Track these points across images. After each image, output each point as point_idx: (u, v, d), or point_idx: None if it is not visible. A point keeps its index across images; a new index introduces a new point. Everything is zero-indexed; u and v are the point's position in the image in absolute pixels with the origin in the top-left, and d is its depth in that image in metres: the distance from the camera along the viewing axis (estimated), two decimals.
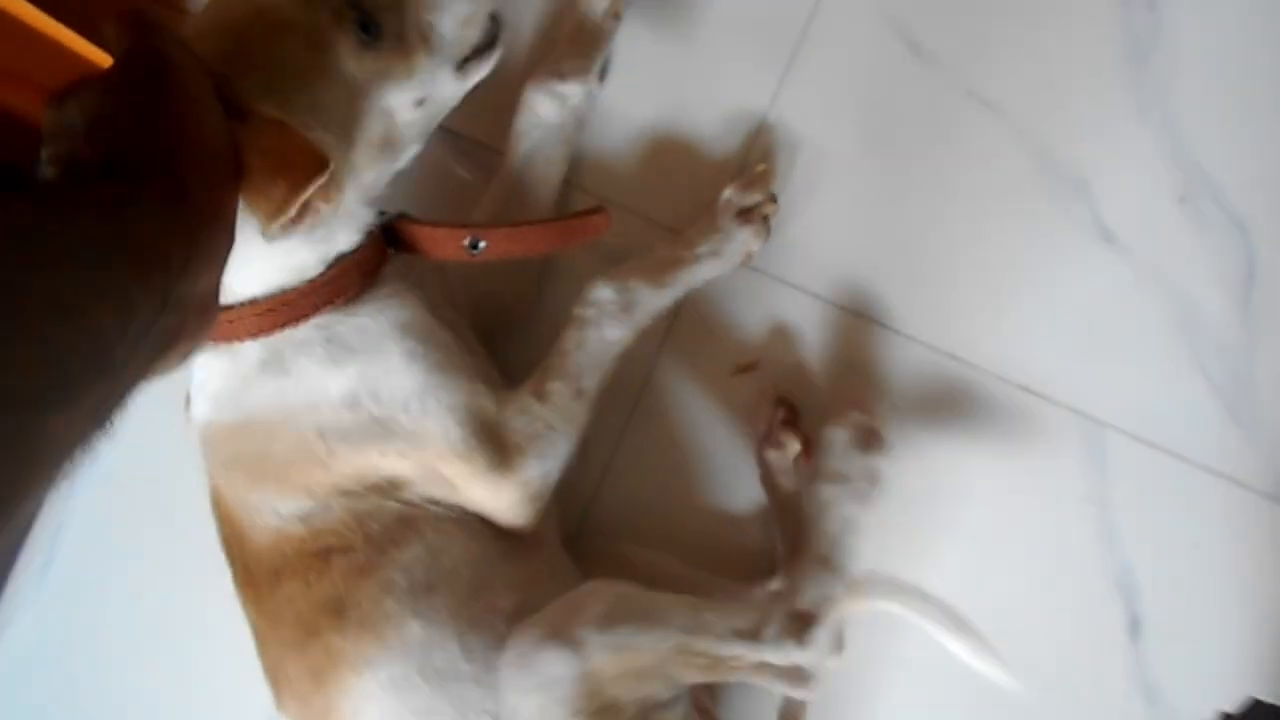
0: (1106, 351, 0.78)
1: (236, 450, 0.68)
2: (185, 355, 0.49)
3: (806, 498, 0.73)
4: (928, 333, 0.80)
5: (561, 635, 0.63)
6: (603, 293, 0.71)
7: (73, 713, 0.90)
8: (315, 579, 0.66)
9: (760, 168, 0.79)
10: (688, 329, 0.82)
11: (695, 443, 0.82)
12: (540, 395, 0.68)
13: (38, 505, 0.38)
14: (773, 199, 0.78)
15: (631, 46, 0.83)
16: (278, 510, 0.66)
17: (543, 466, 0.68)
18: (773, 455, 0.78)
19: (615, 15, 0.80)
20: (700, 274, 0.76)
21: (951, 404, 0.80)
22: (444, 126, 0.72)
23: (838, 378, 0.81)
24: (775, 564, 0.77)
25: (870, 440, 0.73)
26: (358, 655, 0.65)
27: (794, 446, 0.77)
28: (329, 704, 0.66)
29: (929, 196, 0.80)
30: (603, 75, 0.82)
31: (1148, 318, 0.78)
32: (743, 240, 0.77)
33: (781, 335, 0.81)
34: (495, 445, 0.66)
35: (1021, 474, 0.79)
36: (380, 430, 0.65)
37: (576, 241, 0.72)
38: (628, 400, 0.82)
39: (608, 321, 0.71)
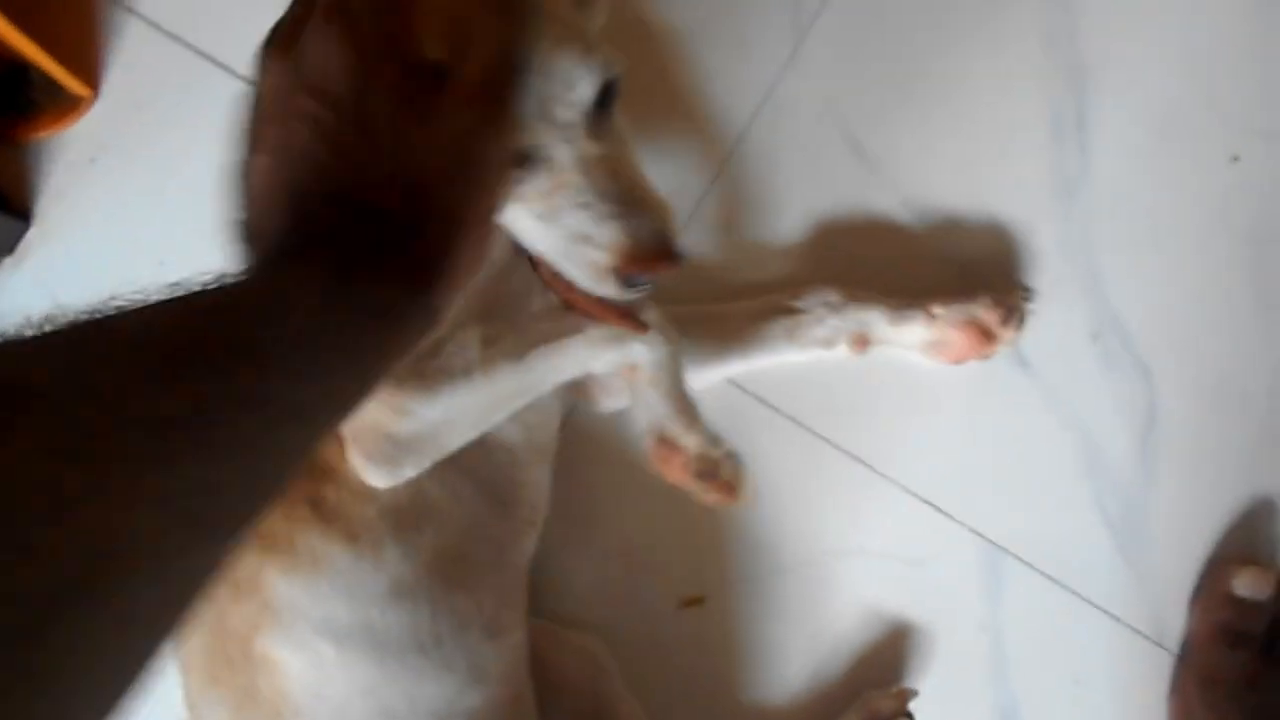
0: (1010, 477, 0.79)
1: None
2: None
3: None
4: (836, 432, 0.79)
5: None
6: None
7: None
8: None
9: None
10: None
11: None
12: (486, 338, 0.59)
13: None
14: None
15: None
16: None
17: (429, 408, 0.57)
18: None
19: None
20: None
21: (854, 509, 0.79)
22: None
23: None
24: None
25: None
26: (315, 548, 0.58)
27: None
28: (260, 577, 0.58)
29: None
30: None
31: (1052, 447, 0.79)
32: None
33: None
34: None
35: (916, 588, 0.78)
36: None
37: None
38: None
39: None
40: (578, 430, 0.77)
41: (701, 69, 0.80)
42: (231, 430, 0.29)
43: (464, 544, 0.62)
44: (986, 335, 0.75)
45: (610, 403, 0.75)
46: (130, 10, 0.80)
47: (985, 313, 0.74)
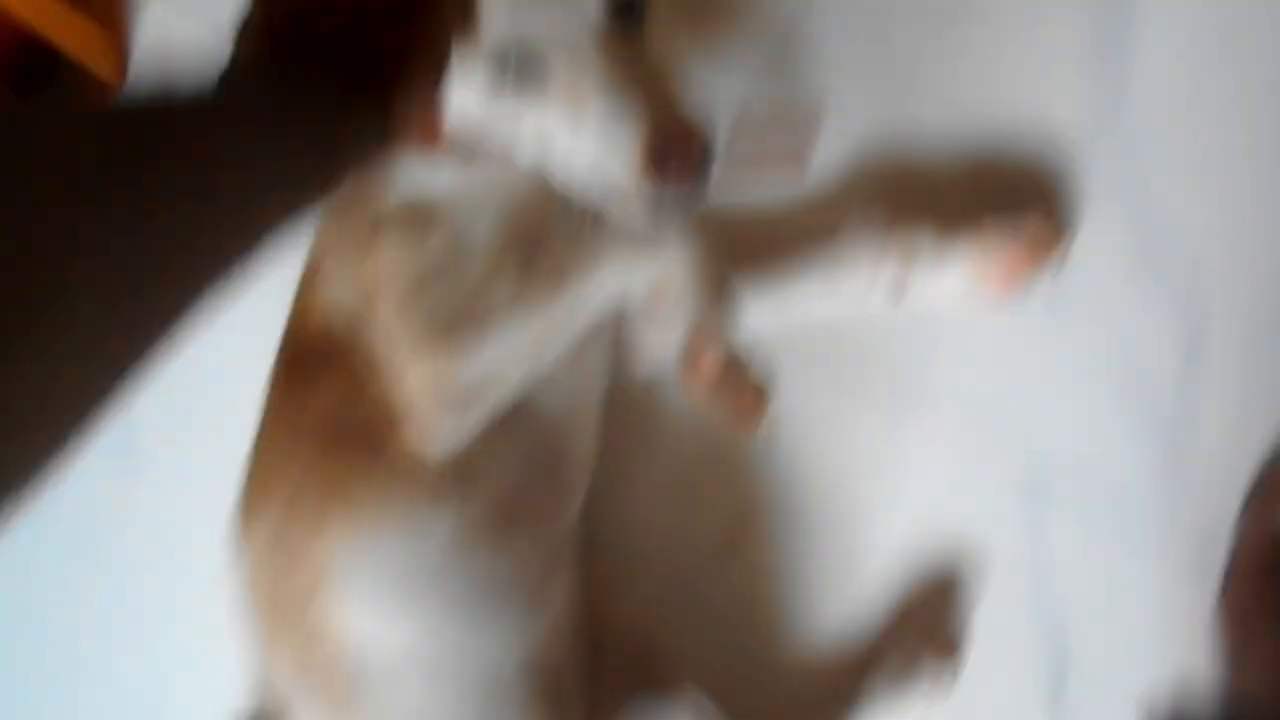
0: (1051, 400, 0.80)
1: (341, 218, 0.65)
2: None
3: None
4: (875, 365, 0.80)
5: None
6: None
7: None
8: (354, 394, 0.62)
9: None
10: None
11: None
12: (525, 272, 0.61)
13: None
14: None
15: None
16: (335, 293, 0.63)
17: (480, 349, 0.60)
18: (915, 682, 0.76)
19: None
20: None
21: (895, 442, 0.81)
22: None
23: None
24: None
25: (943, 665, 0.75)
26: (376, 500, 0.61)
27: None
28: (312, 543, 0.62)
29: None
30: None
31: (1093, 370, 0.79)
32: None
33: None
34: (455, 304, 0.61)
35: (963, 519, 0.81)
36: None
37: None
38: None
39: (622, 236, 0.62)
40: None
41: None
42: (169, 198, 0.35)
43: (514, 502, 0.65)
44: (1031, 259, 0.74)
45: (650, 366, 0.76)
46: None
47: (1026, 236, 0.74)
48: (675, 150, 0.51)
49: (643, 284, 0.62)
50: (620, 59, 0.53)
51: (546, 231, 0.63)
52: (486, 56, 0.56)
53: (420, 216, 0.63)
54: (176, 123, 0.37)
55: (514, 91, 0.56)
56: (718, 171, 0.54)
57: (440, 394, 0.60)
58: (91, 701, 0.82)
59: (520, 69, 0.55)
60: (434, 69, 0.49)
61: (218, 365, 0.82)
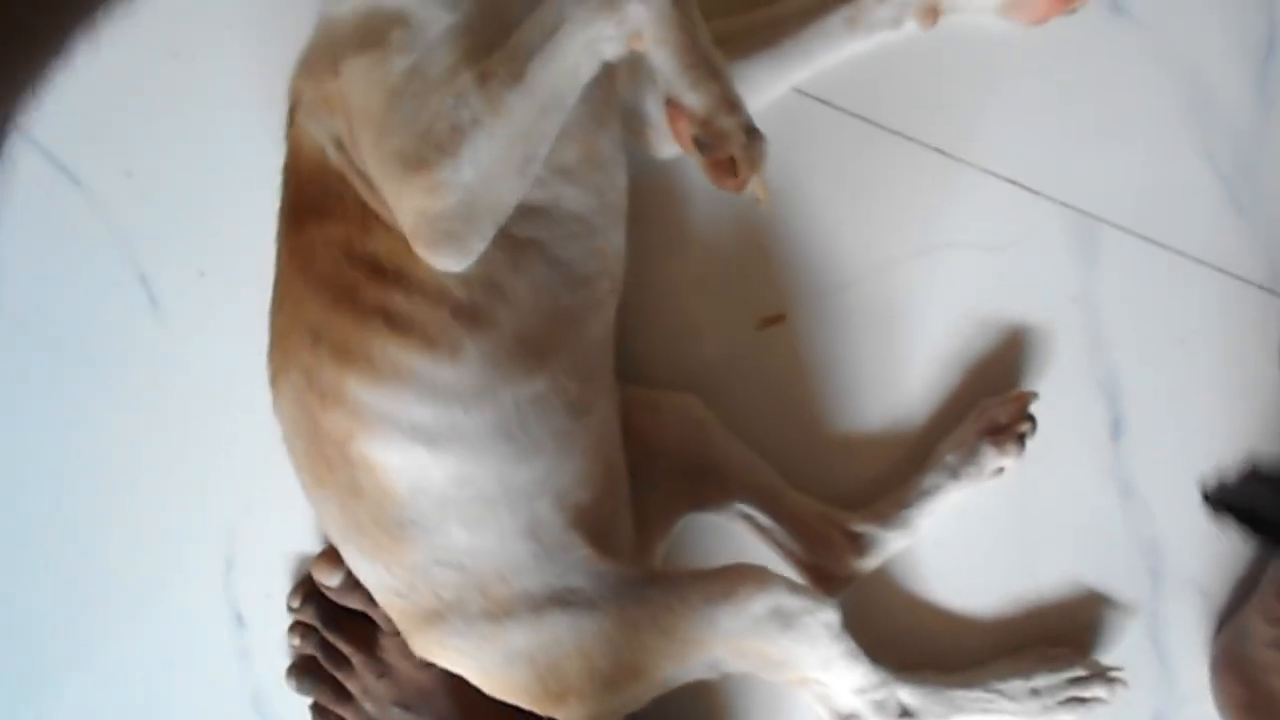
0: (1103, 138, 0.72)
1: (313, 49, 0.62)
2: None
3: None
4: (909, 124, 0.73)
5: None
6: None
7: None
8: (359, 234, 0.60)
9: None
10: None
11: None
12: (481, 75, 0.54)
13: None
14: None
15: None
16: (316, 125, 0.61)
17: (456, 172, 0.54)
18: (986, 450, 0.73)
19: None
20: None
21: (935, 202, 0.74)
22: None
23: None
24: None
25: (1010, 440, 0.72)
26: (398, 335, 0.59)
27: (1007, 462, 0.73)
28: (341, 386, 0.60)
29: None
30: None
31: (1151, 95, 0.71)
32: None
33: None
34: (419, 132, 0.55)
35: (1006, 273, 0.75)
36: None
37: None
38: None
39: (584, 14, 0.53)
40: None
41: None
42: None
43: (542, 327, 0.62)
44: None
45: (669, 148, 0.69)
46: None
47: None
48: None
49: (611, 47, 0.53)
50: None
51: (506, 11, 0.56)
52: None
53: (375, 26, 0.57)
54: None
55: None
56: None
57: (433, 222, 0.55)
58: (156, 558, 0.85)
59: None
60: None
61: (234, 212, 0.80)
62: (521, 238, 0.60)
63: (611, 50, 0.53)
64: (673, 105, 0.54)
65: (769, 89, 0.71)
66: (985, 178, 0.73)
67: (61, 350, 0.84)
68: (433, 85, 0.54)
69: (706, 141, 0.53)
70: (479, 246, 0.57)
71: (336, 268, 0.60)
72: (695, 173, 0.73)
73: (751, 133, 0.53)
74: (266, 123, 0.69)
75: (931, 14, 0.68)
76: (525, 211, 0.59)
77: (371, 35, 0.57)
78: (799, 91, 0.73)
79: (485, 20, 0.56)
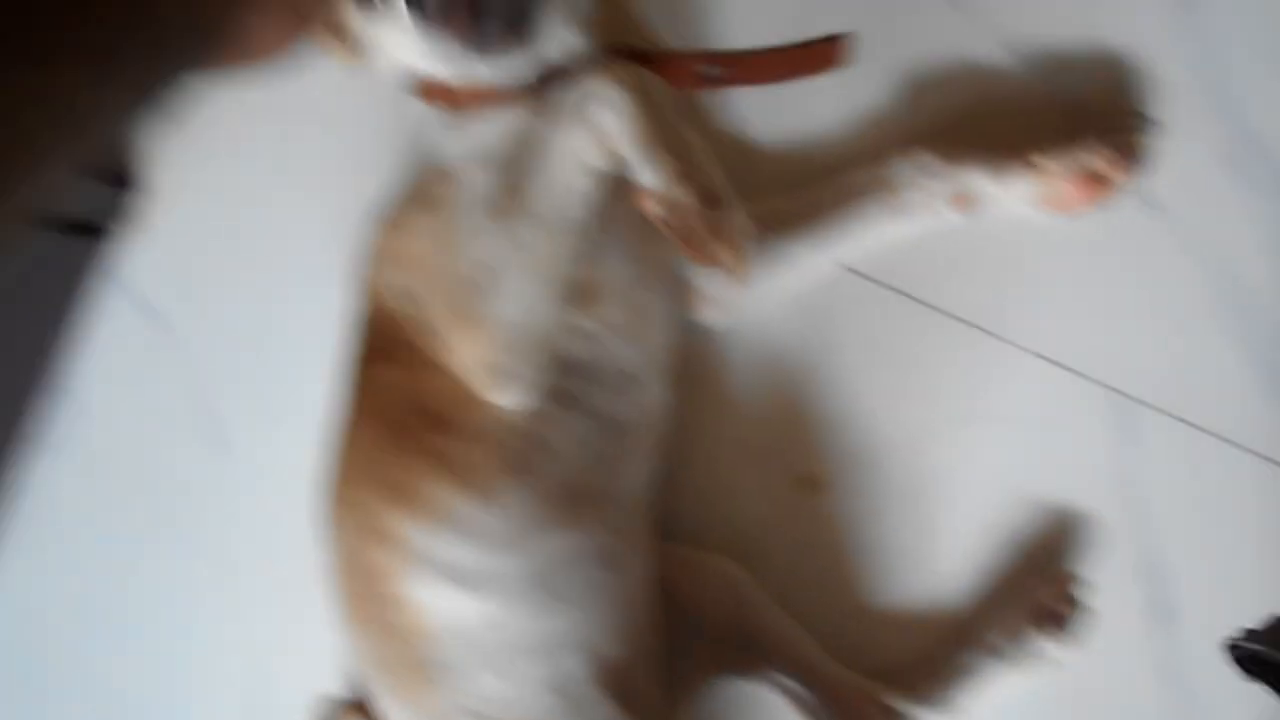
0: (1139, 323, 0.74)
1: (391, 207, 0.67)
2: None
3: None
4: (951, 301, 0.75)
5: None
6: (564, 94, 0.60)
7: None
8: (422, 379, 0.63)
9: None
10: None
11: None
12: (498, 216, 0.59)
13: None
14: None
15: None
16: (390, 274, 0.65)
17: (497, 310, 0.58)
18: (1028, 632, 0.70)
19: None
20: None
21: (976, 379, 0.75)
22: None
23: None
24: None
25: (1053, 622, 0.70)
26: (449, 479, 0.62)
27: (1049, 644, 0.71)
28: (389, 523, 0.62)
29: None
30: None
31: (1185, 284, 0.73)
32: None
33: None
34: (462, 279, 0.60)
35: (1046, 450, 0.75)
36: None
37: (816, 70, 0.66)
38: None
39: (552, 121, 0.59)
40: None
41: None
42: None
43: (582, 478, 0.64)
44: (1098, 181, 0.69)
45: (715, 314, 0.74)
46: None
47: (1093, 157, 0.68)
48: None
49: (591, 154, 0.58)
50: None
51: (526, 157, 0.61)
52: None
53: (433, 188, 0.63)
54: None
55: (378, 12, 0.59)
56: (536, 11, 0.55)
57: (488, 362, 0.60)
58: (190, 685, 0.85)
59: None
60: None
61: (299, 349, 0.84)
62: (570, 390, 0.63)
63: (591, 155, 0.58)
64: (639, 193, 0.58)
65: (810, 267, 0.74)
66: (1025, 356, 0.75)
67: (130, 480, 0.88)
68: (471, 235, 0.59)
69: (666, 216, 0.56)
70: (535, 377, 0.60)
71: (398, 410, 0.63)
72: (739, 340, 0.77)
73: (711, 201, 0.56)
74: (339, 270, 0.74)
75: (966, 202, 0.71)
76: (573, 365, 0.63)
77: (428, 193, 0.63)
78: (846, 268, 0.76)
79: (517, 172, 0.61)
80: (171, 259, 0.88)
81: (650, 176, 0.56)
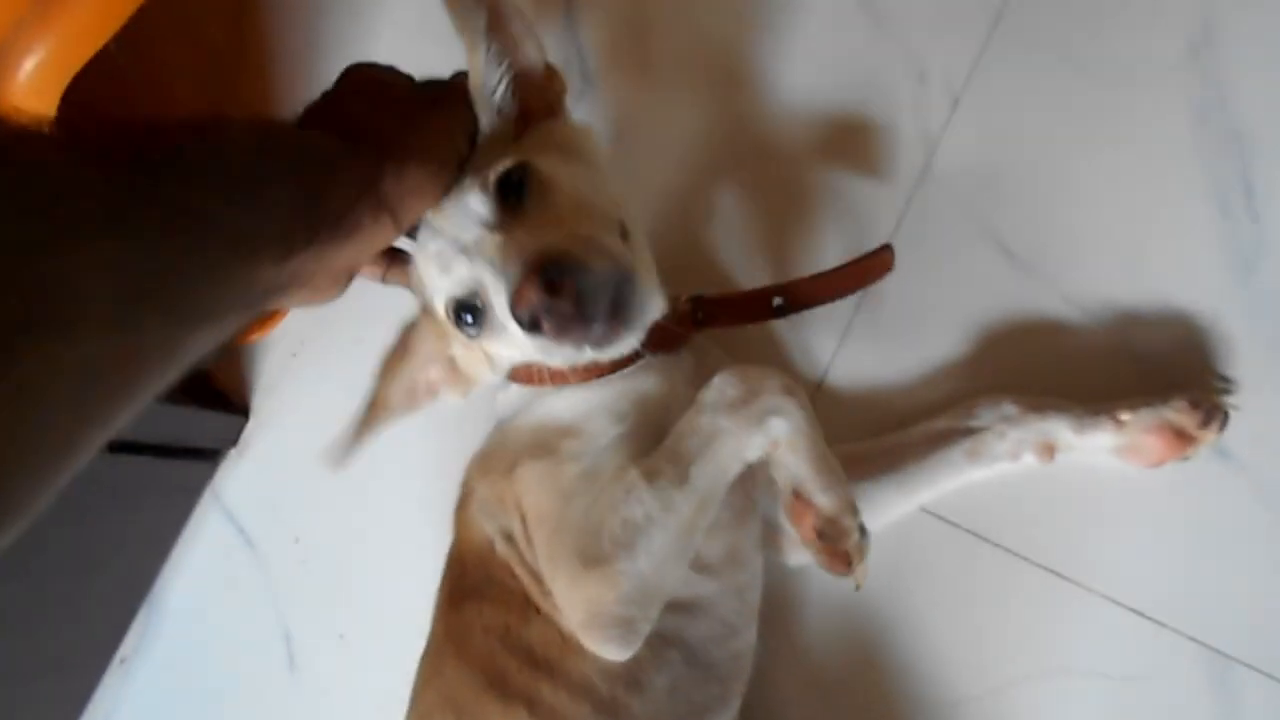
0: (1227, 577, 0.73)
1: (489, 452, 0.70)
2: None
3: None
4: (1034, 548, 0.76)
5: None
6: (726, 382, 0.62)
7: None
8: (518, 622, 0.64)
9: None
10: None
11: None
12: (649, 474, 0.60)
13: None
14: None
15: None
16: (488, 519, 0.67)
17: (633, 563, 0.58)
18: None
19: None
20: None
21: (1052, 623, 0.74)
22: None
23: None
24: None
25: None
26: None
27: None
28: None
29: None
30: None
31: (1270, 540, 0.72)
32: None
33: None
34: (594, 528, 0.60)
35: (1142, 714, 0.73)
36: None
37: (871, 281, 0.72)
38: None
39: (725, 411, 0.61)
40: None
41: (834, 189, 0.81)
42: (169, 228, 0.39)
43: (678, 711, 0.64)
44: (1184, 438, 0.70)
45: (798, 556, 0.75)
46: None
47: (1181, 415, 0.70)
48: (530, 282, 0.53)
49: (755, 453, 0.61)
50: (507, 239, 0.58)
51: (662, 423, 0.64)
52: (450, 314, 0.63)
53: (548, 438, 0.66)
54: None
55: (477, 334, 0.63)
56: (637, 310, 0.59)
57: (608, 611, 0.59)
58: None
59: (465, 317, 0.62)
60: (436, 159, 0.58)
61: (380, 584, 0.85)
62: (668, 635, 0.64)
63: (754, 455, 0.61)
64: (799, 501, 0.61)
65: (893, 509, 0.76)
66: (1108, 605, 0.74)
67: (201, 692, 0.89)
68: (604, 487, 0.61)
69: (829, 535, 0.60)
70: (645, 631, 0.60)
71: (491, 652, 0.64)
72: (815, 582, 0.77)
73: (863, 530, 0.60)
74: (425, 505, 0.77)
75: (1049, 451, 0.73)
76: (673, 608, 0.63)
77: (545, 445, 0.65)
78: (924, 510, 0.77)
79: (646, 429, 0.64)
80: (263, 482, 0.92)
81: (824, 499, 0.60)
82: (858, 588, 0.61)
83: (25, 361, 0.31)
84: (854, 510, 0.60)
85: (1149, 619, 0.73)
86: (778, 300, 0.69)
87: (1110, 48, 0.75)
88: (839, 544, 0.60)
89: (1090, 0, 0.75)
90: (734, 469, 0.61)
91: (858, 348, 0.80)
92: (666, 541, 0.59)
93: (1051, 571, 0.75)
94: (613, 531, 0.59)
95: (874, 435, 0.77)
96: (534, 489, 0.64)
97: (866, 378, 0.80)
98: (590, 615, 0.59)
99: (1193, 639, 0.72)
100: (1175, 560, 0.74)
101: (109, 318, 0.35)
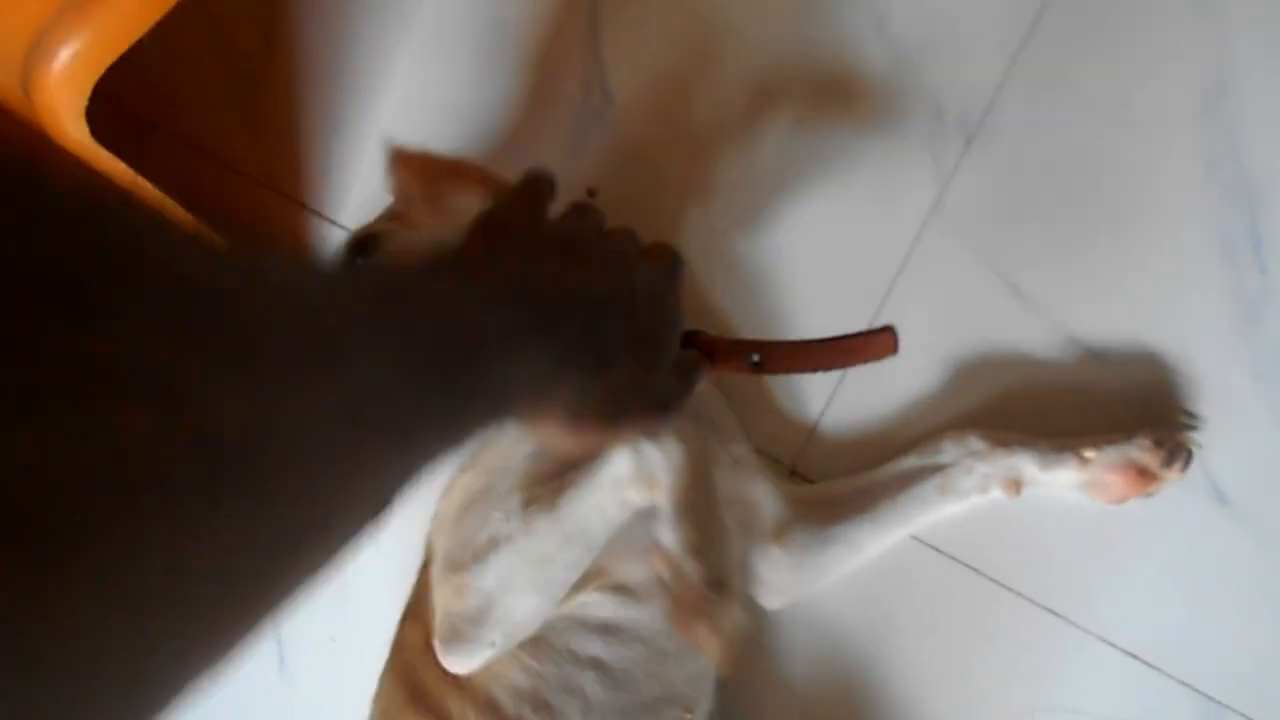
0: (1219, 621, 0.73)
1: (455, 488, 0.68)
2: None
3: None
4: (1027, 585, 0.76)
5: None
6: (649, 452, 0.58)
7: None
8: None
9: None
10: None
11: None
12: (526, 500, 0.61)
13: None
14: None
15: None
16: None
17: (482, 579, 0.59)
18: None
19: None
20: None
21: (1044, 662, 0.74)
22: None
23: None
24: None
25: None
26: None
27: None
28: None
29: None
30: None
31: (1265, 583, 0.73)
32: None
33: None
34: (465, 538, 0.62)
35: None
36: None
37: (859, 361, 0.67)
38: None
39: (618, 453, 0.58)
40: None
41: (843, 222, 0.81)
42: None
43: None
44: (1146, 475, 0.71)
45: (773, 598, 0.75)
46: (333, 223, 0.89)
47: (1144, 454, 0.71)
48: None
49: (633, 489, 0.58)
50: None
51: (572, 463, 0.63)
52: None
53: (484, 454, 0.66)
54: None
55: None
56: None
57: (451, 620, 0.60)
58: None
59: None
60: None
61: (370, 583, 0.86)
62: (582, 658, 0.62)
63: (633, 492, 0.57)
64: (657, 557, 0.55)
65: (869, 549, 0.76)
66: (1100, 645, 0.74)
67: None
68: (493, 503, 0.61)
69: (667, 579, 0.54)
70: (483, 654, 0.59)
71: (413, 667, 0.64)
72: (792, 626, 0.77)
73: (716, 585, 0.53)
74: (416, 508, 0.77)
75: (1015, 485, 0.74)
76: (588, 628, 0.63)
77: (476, 457, 0.66)
78: (916, 539, 0.78)
79: (555, 454, 0.62)
80: None
81: (669, 536, 0.55)
82: (719, 672, 0.57)
83: None
84: (698, 556, 0.53)
85: (1142, 661, 0.73)
86: (754, 357, 0.65)
87: (1126, 93, 0.76)
88: (679, 591, 0.53)
89: (1109, 45, 0.76)
90: (612, 508, 0.58)
91: (856, 387, 0.80)
92: (517, 565, 0.58)
93: (1048, 610, 0.75)
94: (476, 544, 0.59)
95: (849, 474, 0.77)
96: (450, 497, 0.66)
97: (864, 415, 0.80)
98: (439, 621, 0.60)
99: (1183, 683, 0.72)
100: (1171, 604, 0.74)
101: None
